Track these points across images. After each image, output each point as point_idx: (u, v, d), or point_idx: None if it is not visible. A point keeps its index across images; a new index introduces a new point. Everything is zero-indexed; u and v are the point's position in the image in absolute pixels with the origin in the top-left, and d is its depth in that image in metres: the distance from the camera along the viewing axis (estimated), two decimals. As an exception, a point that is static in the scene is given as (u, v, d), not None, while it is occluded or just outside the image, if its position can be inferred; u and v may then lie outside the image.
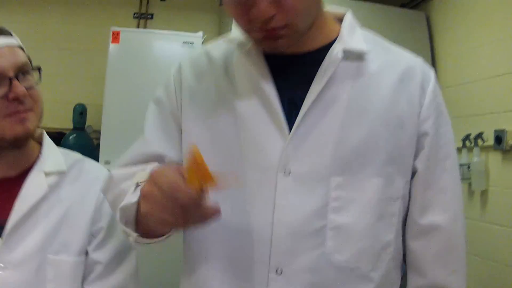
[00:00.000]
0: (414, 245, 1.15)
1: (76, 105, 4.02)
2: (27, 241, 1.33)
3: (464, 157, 3.24)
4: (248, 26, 1.04)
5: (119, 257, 1.44)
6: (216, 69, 1.18)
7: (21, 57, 1.34)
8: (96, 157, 3.69)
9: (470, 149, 3.24)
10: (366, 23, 1.23)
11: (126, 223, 1.06)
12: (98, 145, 3.96)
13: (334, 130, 1.06)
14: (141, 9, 4.47)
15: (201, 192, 0.89)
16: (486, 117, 3.25)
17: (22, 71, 1.32)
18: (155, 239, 1.04)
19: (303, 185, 1.04)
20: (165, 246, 1.09)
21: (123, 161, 1.22)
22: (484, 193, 3.18)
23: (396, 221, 1.11)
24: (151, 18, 4.48)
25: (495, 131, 3.10)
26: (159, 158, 1.17)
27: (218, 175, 0.89)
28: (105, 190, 1.22)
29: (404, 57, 1.20)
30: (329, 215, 1.04)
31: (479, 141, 3.15)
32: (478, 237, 3.12)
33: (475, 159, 3.15)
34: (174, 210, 0.90)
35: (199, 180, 0.88)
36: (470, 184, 3.20)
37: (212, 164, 0.89)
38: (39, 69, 1.38)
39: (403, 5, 4.64)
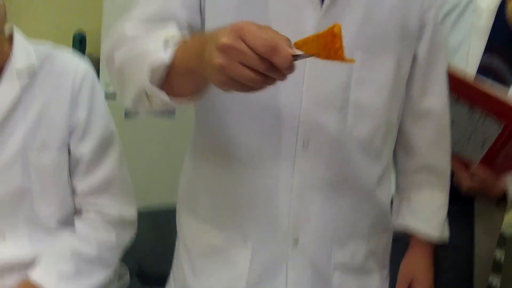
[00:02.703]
0: (412, 128, 1.31)
1: (75, 34, 4.01)
2: (9, 145, 1.39)
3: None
4: None
5: (102, 147, 1.49)
6: None
7: None
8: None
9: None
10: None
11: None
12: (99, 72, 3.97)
13: (361, 9, 1.13)
14: None
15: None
16: None
17: None
18: (183, 99, 0.97)
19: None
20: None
21: (137, 16, 1.11)
22: None
23: (400, 103, 1.24)
24: None
25: None
26: (178, 19, 1.10)
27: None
28: (113, 48, 1.08)
29: None
30: (351, 91, 1.13)
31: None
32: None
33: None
34: (262, 70, 0.80)
35: (322, 51, 0.82)
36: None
37: None
38: None
39: None
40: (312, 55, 0.83)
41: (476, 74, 1.79)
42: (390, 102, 1.19)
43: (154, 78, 0.95)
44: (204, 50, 0.86)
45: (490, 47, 1.81)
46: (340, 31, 0.81)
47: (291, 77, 0.93)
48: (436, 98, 1.29)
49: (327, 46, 0.81)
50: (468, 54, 1.80)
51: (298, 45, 0.84)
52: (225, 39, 0.80)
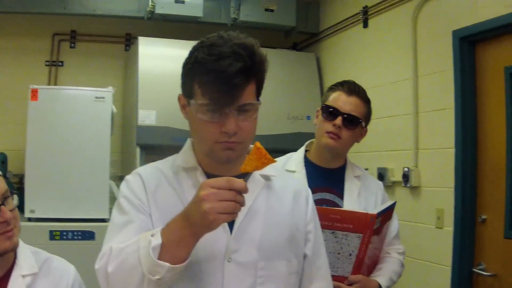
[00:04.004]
0: None
1: (-3, 155, 4.22)
2: None
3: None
4: (216, 137, 1.42)
5: None
6: (169, 180, 1.54)
7: (4, 185, 1.65)
8: (20, 202, 3.87)
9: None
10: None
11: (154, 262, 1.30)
12: (19, 188, 4.17)
13: (258, 231, 1.51)
14: (52, 56, 4.75)
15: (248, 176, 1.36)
16: (370, 155, 3.70)
17: (5, 196, 1.64)
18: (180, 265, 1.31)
19: (241, 268, 1.46)
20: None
21: (119, 240, 1.41)
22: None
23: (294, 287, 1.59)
24: (62, 65, 4.78)
25: (378, 168, 3.62)
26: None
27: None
28: (105, 263, 1.37)
29: (294, 179, 1.78)
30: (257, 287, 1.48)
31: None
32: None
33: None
34: (233, 197, 1.25)
35: (259, 163, 1.33)
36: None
37: None
38: (15, 193, 1.70)
39: (294, 45, 5.11)
40: (254, 170, 1.34)
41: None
42: None
43: (155, 256, 1.29)
44: (189, 214, 1.28)
45: (315, 188, 2.12)
46: (259, 144, 1.34)
47: (213, 280, 1.44)
48: (322, 280, 1.64)
49: (260, 156, 1.33)
50: None
51: (243, 169, 1.33)
52: (202, 192, 1.25)
